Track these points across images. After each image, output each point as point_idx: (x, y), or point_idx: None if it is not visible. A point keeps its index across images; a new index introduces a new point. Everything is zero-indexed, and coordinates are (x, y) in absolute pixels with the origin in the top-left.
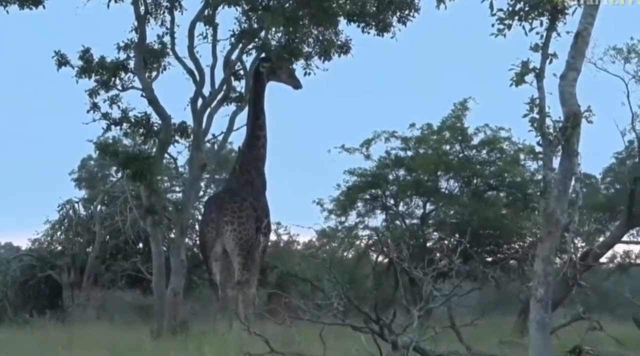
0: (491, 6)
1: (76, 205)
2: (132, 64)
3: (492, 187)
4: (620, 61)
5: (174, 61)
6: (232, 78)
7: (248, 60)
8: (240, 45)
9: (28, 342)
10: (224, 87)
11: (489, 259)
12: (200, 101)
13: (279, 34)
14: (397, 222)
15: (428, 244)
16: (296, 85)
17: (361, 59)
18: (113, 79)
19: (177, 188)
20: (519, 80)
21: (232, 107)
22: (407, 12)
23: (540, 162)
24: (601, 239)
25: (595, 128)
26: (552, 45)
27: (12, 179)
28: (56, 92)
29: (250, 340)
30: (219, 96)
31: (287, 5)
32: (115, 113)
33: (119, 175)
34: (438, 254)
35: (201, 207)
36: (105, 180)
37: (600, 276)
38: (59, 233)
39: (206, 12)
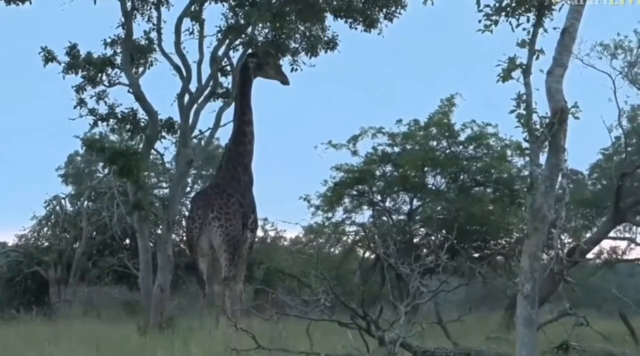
0: (478, 2)
1: (63, 201)
2: (119, 59)
3: (479, 183)
4: (607, 57)
5: (161, 57)
6: (219, 74)
7: (235, 56)
8: (227, 41)
9: (14, 338)
10: (211, 83)
11: (476, 255)
12: (187, 97)
13: (266, 30)
14: (384, 218)
15: (415, 240)
16: (284, 80)
17: (348, 55)
18: (100, 74)
19: (164, 184)
20: (506, 76)
21: (219, 102)
22: (393, 8)
23: (527, 158)
24: (588, 235)
25: (582, 124)
26: (539, 41)
27: None
28: (43, 88)
29: (237, 336)
30: (206, 92)
31: (273, 1)
32: (102, 109)
33: (106, 171)
34: (425, 250)
35: (188, 202)
36: (92, 176)
37: (587, 272)
38: (45, 229)
39: (193, 7)
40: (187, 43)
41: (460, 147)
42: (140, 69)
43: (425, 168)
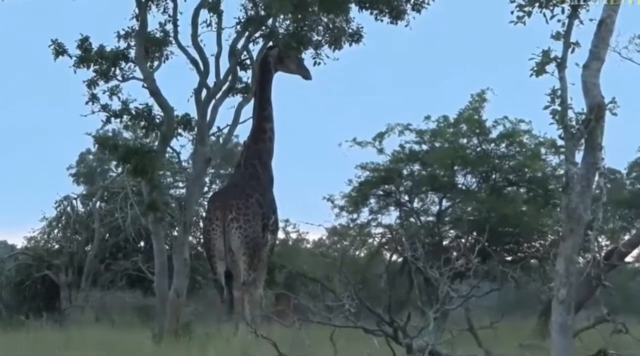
0: None
1: (74, 201)
2: (132, 53)
3: (511, 183)
4: None
5: (177, 50)
6: (238, 68)
7: (254, 49)
8: (247, 34)
9: (24, 345)
10: (230, 78)
11: (509, 258)
12: (204, 92)
13: (287, 22)
14: (412, 219)
15: (444, 242)
16: (305, 75)
17: (374, 48)
18: (113, 69)
19: (180, 184)
20: (540, 70)
21: (238, 98)
22: None
23: (562, 156)
24: (626, 237)
25: (620, 121)
26: (575, 34)
27: (6, 174)
28: (53, 83)
29: (257, 343)
30: (224, 87)
31: None
32: (115, 105)
33: (119, 170)
34: (455, 253)
35: (205, 203)
36: (104, 175)
37: (625, 276)
38: (56, 231)
39: None
40: (205, 35)
41: (492, 144)
42: (155, 63)
43: (455, 167)
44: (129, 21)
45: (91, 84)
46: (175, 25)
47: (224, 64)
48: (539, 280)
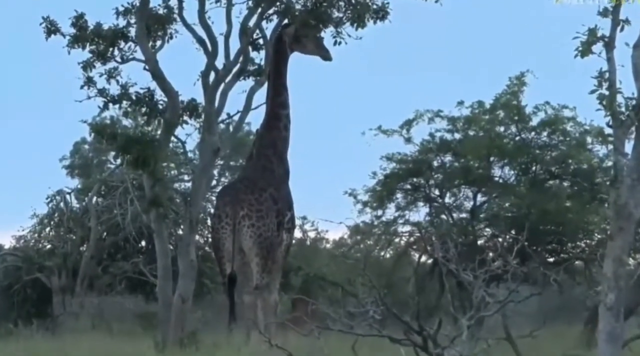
0: None
1: (68, 196)
2: (132, 31)
3: (554, 175)
4: None
5: (182, 28)
6: (250, 48)
7: (268, 27)
8: (259, 10)
9: None
10: (240, 59)
11: (551, 259)
12: (212, 75)
13: None
14: (443, 216)
15: (479, 242)
16: (325, 56)
17: (400, 27)
18: (111, 49)
19: (186, 177)
20: (585, 50)
21: (250, 81)
22: None
23: (611, 146)
24: None
25: None
26: (624, 10)
27: None
28: (45, 64)
29: (271, 353)
30: (235, 69)
31: None
32: (114, 90)
33: (118, 161)
34: (491, 253)
35: (214, 198)
36: (101, 168)
37: None
38: (47, 229)
39: None
40: (213, 12)
41: (532, 133)
42: (158, 43)
43: (491, 158)
44: None
45: (87, 66)
46: (180, 1)
47: (234, 44)
48: (584, 284)
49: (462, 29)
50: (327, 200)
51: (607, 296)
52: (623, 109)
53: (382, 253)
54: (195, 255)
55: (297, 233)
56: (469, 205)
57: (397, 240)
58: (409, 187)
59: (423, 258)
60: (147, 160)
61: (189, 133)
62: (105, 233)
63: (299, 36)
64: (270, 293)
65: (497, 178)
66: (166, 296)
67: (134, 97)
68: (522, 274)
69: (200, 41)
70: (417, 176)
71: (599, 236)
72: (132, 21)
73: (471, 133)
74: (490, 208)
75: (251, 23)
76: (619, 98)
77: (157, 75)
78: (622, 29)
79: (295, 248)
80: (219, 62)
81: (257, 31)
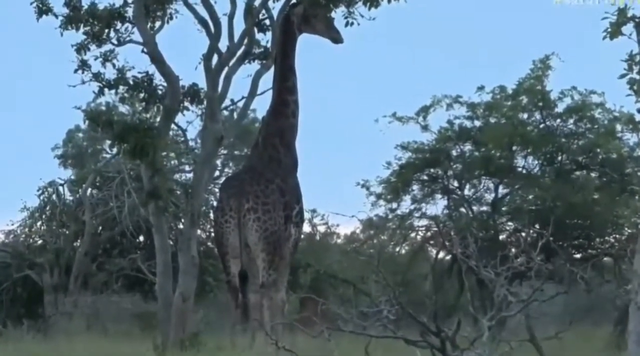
0: None
1: (61, 188)
2: (130, 12)
3: (581, 166)
4: None
5: (183, 8)
6: (255, 29)
7: (275, 7)
8: None
9: None
10: (245, 41)
11: (578, 256)
12: (215, 58)
13: None
14: (462, 209)
15: (501, 237)
16: (335, 38)
17: (417, 6)
18: (106, 30)
19: (187, 167)
20: (615, 31)
21: (255, 65)
22: None
23: None
24: None
25: None
26: None
27: None
28: (36, 47)
29: None
30: (239, 52)
31: None
32: (110, 74)
33: (114, 150)
34: (513, 249)
35: (216, 190)
36: (96, 157)
37: None
38: (39, 223)
39: None
40: None
41: (558, 120)
42: (157, 24)
43: (514, 147)
44: None
45: (81, 48)
46: None
47: (239, 25)
48: (613, 282)
49: (482, 8)
50: (338, 192)
51: (638, 294)
52: None
53: (397, 249)
54: (197, 251)
55: (306, 228)
56: (489, 197)
57: (413, 234)
58: (425, 178)
59: (441, 255)
60: (146, 149)
61: (190, 121)
62: (100, 228)
63: (307, 16)
64: (277, 292)
65: (520, 169)
66: (166, 295)
67: (131, 82)
68: (547, 271)
69: (202, 22)
70: (435, 166)
71: (629, 230)
72: (130, 0)
73: (492, 120)
74: (512, 201)
75: (257, 2)
76: None
77: (156, 58)
78: None
79: (304, 244)
80: (223, 45)
81: (263, 11)
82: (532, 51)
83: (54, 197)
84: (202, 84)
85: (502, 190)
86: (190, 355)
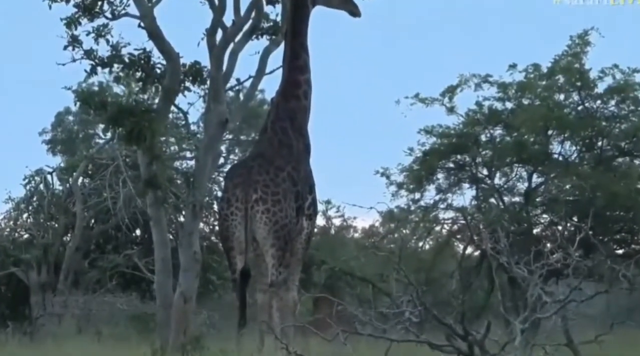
0: None
1: (49, 176)
2: None
3: (623, 152)
4: None
5: None
6: (264, 1)
7: None
8: None
9: None
10: (252, 15)
11: (620, 251)
12: (219, 34)
13: None
14: (492, 200)
15: (535, 231)
16: (353, 11)
17: None
18: (99, 2)
19: (189, 154)
20: None
21: (264, 41)
22: None
23: None
24: None
25: None
26: None
27: None
28: (21, 21)
29: None
30: (246, 27)
31: None
32: (103, 51)
33: (108, 135)
34: (549, 244)
35: (221, 179)
36: (88, 143)
37: None
38: (25, 215)
39: None
40: None
41: (598, 101)
42: None
43: (549, 132)
44: None
45: (71, 22)
46: None
47: None
48: None
49: None
50: (355, 181)
51: None
52: None
53: (420, 244)
54: (200, 246)
55: (320, 221)
56: (522, 187)
57: (437, 228)
58: (452, 165)
59: (468, 250)
60: (143, 133)
61: (191, 103)
62: (92, 221)
63: None
64: (288, 291)
65: (556, 155)
66: (165, 294)
67: (127, 60)
68: (585, 268)
69: None
70: (462, 153)
71: None
72: None
73: (525, 101)
74: (547, 191)
75: None
76: None
77: (155, 33)
78: None
79: (318, 238)
80: (228, 18)
81: None
82: (570, 26)
83: (41, 186)
84: (205, 61)
85: (536, 179)
86: None
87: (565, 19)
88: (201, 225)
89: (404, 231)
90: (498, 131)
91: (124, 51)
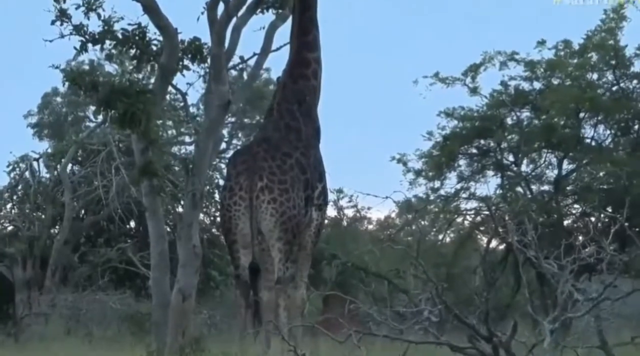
0: None
1: (35, 163)
2: None
3: None
4: None
5: None
6: None
7: None
8: None
9: None
10: None
11: None
12: (220, 7)
13: None
14: (519, 189)
15: (565, 222)
16: None
17: None
18: None
19: (187, 139)
20: None
21: (270, 15)
22: None
23: None
24: None
25: None
26: None
27: None
28: None
29: None
30: (250, 0)
31: None
32: (94, 26)
33: (100, 118)
34: (581, 237)
35: (223, 166)
36: (78, 127)
37: None
38: (9, 205)
39: None
40: None
41: (634, 81)
42: None
43: (581, 114)
44: None
45: None
46: None
47: None
48: None
49: None
50: (369, 168)
51: None
52: None
53: (441, 237)
54: (200, 239)
55: (331, 212)
56: (552, 174)
57: (459, 219)
58: (474, 151)
59: (493, 244)
60: (137, 116)
61: (191, 83)
62: (83, 211)
63: None
64: (296, 289)
65: (588, 140)
66: (162, 292)
67: (120, 36)
68: (620, 264)
69: None
70: (486, 137)
71: None
72: None
73: (555, 81)
74: (579, 179)
75: None
76: None
77: (150, 7)
78: None
79: (329, 231)
80: None
81: None
82: None
83: (26, 174)
84: (206, 38)
85: (566, 166)
86: None
87: None
88: (201, 216)
89: (423, 223)
90: (525, 113)
91: (116, 26)
